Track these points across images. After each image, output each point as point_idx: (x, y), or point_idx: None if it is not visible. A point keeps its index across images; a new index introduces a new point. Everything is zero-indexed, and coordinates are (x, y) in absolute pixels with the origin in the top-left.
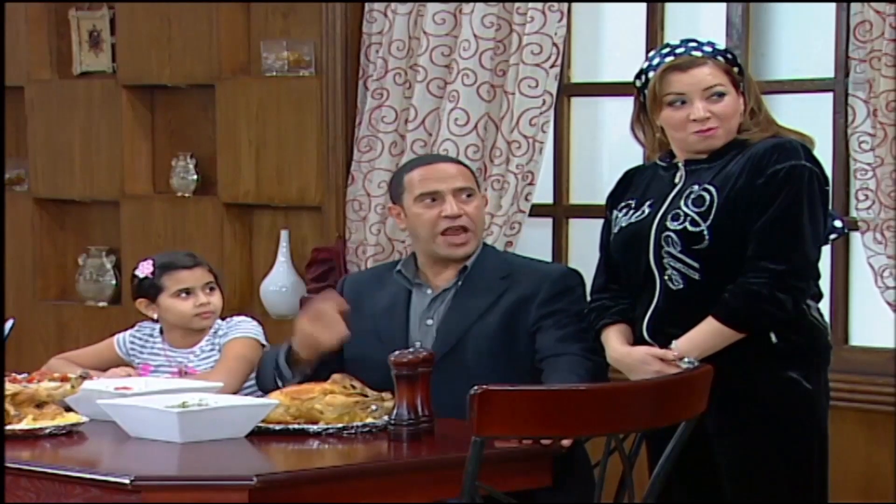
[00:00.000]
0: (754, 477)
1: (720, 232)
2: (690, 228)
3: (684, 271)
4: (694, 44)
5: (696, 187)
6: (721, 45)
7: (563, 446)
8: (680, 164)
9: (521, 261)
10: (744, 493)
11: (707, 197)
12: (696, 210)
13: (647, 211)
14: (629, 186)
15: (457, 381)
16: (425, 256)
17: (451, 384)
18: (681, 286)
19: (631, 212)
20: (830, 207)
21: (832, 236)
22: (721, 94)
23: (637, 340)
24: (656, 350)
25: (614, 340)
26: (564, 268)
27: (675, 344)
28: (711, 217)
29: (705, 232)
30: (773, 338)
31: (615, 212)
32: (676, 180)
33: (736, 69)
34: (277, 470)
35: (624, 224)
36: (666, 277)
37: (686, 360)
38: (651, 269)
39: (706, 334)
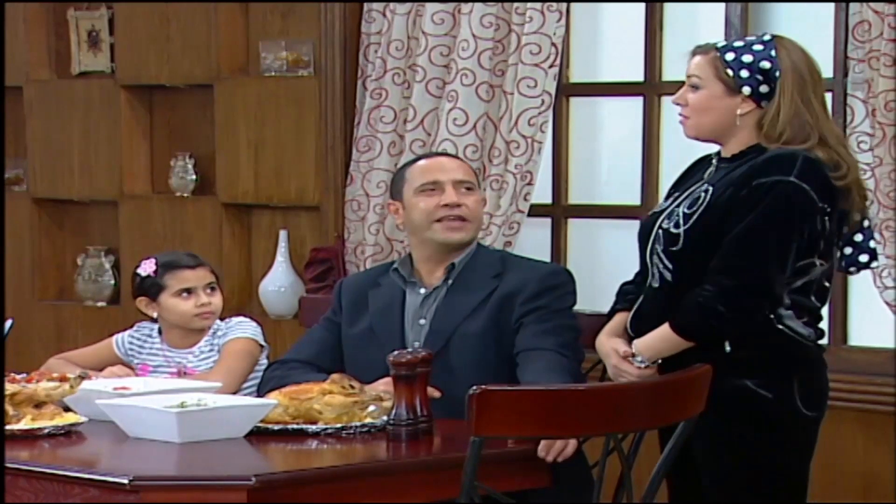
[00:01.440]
0: (717, 480)
1: (694, 238)
2: (672, 230)
3: (661, 270)
4: (747, 37)
5: (703, 186)
6: (760, 50)
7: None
8: (714, 161)
9: (514, 259)
10: (712, 494)
11: (701, 197)
12: (686, 211)
13: (669, 202)
14: (687, 175)
15: (446, 380)
16: (420, 251)
17: (441, 383)
18: (657, 284)
19: (662, 200)
20: (861, 238)
21: (852, 269)
22: (696, 87)
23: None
24: (618, 346)
25: (606, 328)
26: (554, 266)
27: (634, 343)
28: (692, 221)
29: (681, 235)
30: (727, 346)
31: (663, 200)
32: (705, 176)
33: (746, 73)
34: (276, 470)
35: (650, 213)
36: (651, 273)
37: (639, 359)
38: (647, 264)
39: (659, 338)
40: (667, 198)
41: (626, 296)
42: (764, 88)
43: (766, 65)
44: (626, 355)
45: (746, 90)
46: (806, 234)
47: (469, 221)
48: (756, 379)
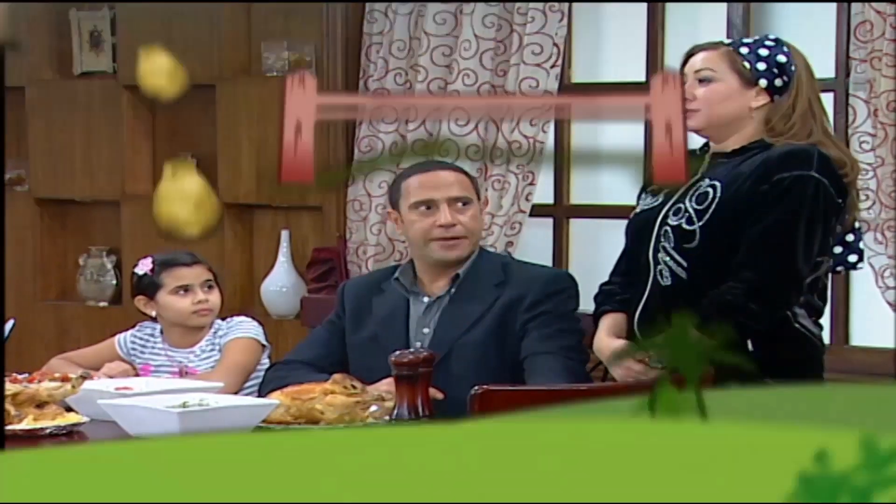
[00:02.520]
0: None
1: (711, 234)
2: (685, 226)
3: (674, 268)
4: (755, 36)
5: (706, 181)
6: (772, 45)
7: None
8: (706, 156)
9: (516, 266)
10: None
11: (710, 193)
12: (696, 207)
13: (661, 199)
14: None
15: (449, 386)
16: (421, 262)
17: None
18: (668, 282)
19: (649, 197)
20: (852, 238)
21: (839, 268)
22: (707, 80)
23: (630, 334)
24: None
25: (602, 330)
26: (556, 271)
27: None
28: (707, 217)
29: (697, 231)
30: (750, 345)
31: (643, 194)
32: (700, 171)
33: (763, 66)
34: None
35: (639, 210)
36: (657, 271)
37: (656, 359)
38: (648, 262)
39: None
40: (652, 195)
41: (612, 297)
42: (779, 82)
43: (782, 59)
44: (644, 356)
45: (763, 83)
46: (827, 229)
47: (465, 238)
48: (776, 378)
